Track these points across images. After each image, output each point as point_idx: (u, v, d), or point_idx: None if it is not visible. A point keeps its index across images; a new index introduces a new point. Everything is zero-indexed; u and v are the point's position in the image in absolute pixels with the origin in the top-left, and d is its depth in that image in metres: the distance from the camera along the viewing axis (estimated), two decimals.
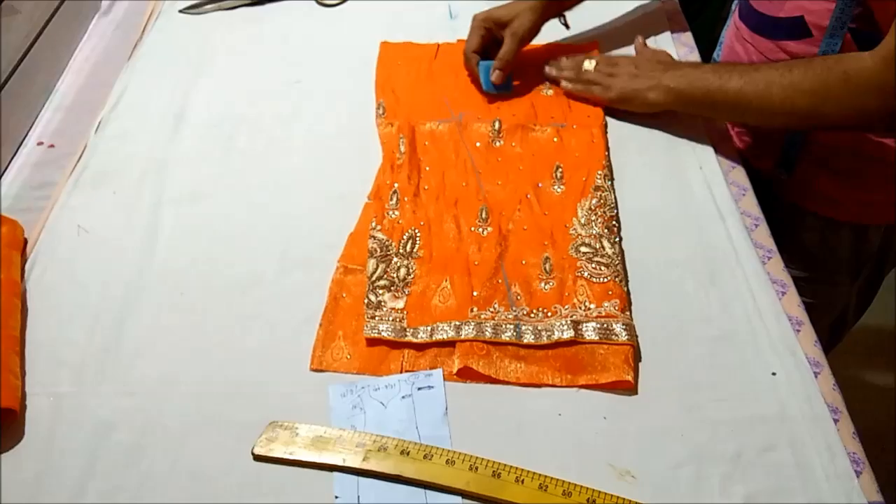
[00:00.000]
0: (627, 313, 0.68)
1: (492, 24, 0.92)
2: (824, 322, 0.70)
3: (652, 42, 1.01)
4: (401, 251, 0.74)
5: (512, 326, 0.67)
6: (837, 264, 0.92)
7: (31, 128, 0.92)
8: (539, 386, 0.64)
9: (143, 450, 0.60)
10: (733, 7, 0.97)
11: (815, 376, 0.64)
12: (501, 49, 0.91)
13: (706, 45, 1.07)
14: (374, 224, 0.76)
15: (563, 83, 0.92)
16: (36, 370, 0.65)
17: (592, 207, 0.77)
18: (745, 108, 0.79)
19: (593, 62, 0.91)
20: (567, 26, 1.03)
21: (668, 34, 1.03)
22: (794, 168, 0.90)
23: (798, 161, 0.89)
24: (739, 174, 0.84)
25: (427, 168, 0.84)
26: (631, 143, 0.86)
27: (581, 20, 1.04)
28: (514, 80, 0.93)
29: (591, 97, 0.90)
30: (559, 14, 0.99)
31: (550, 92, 0.94)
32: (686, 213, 0.79)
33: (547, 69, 0.94)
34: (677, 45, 1.01)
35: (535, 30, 0.92)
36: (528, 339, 0.66)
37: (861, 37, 0.76)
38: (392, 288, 0.71)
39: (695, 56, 1.00)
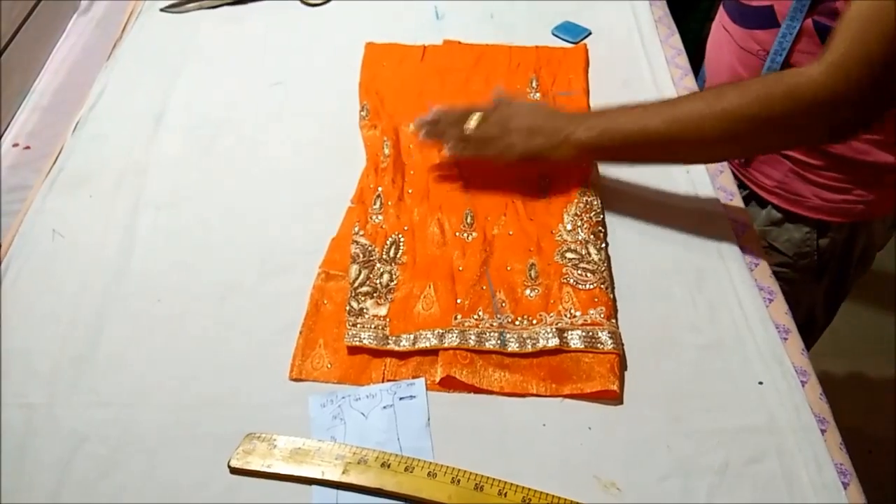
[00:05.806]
0: (613, 321, 0.67)
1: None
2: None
3: (639, 42, 1.01)
4: (384, 257, 0.73)
5: (496, 334, 0.66)
6: (799, 260, 0.91)
7: (6, 129, 0.90)
8: (523, 395, 0.63)
9: (117, 462, 0.59)
10: None
11: (802, 385, 0.64)
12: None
13: (693, 46, 1.07)
14: (356, 229, 0.75)
15: (447, 149, 0.79)
16: (8, 380, 0.64)
17: (578, 213, 0.76)
18: (676, 148, 0.72)
19: (475, 118, 0.78)
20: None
21: (656, 36, 1.02)
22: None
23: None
24: (727, 179, 0.84)
25: (412, 172, 0.82)
26: None
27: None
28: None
29: (488, 161, 0.78)
30: None
31: (538, 95, 0.93)
32: (673, 219, 0.78)
33: (421, 134, 0.80)
34: (665, 48, 1.00)
35: None
36: (513, 347, 0.65)
37: (821, 27, 0.75)
38: (375, 294, 0.70)
39: (682, 58, 0.99)
